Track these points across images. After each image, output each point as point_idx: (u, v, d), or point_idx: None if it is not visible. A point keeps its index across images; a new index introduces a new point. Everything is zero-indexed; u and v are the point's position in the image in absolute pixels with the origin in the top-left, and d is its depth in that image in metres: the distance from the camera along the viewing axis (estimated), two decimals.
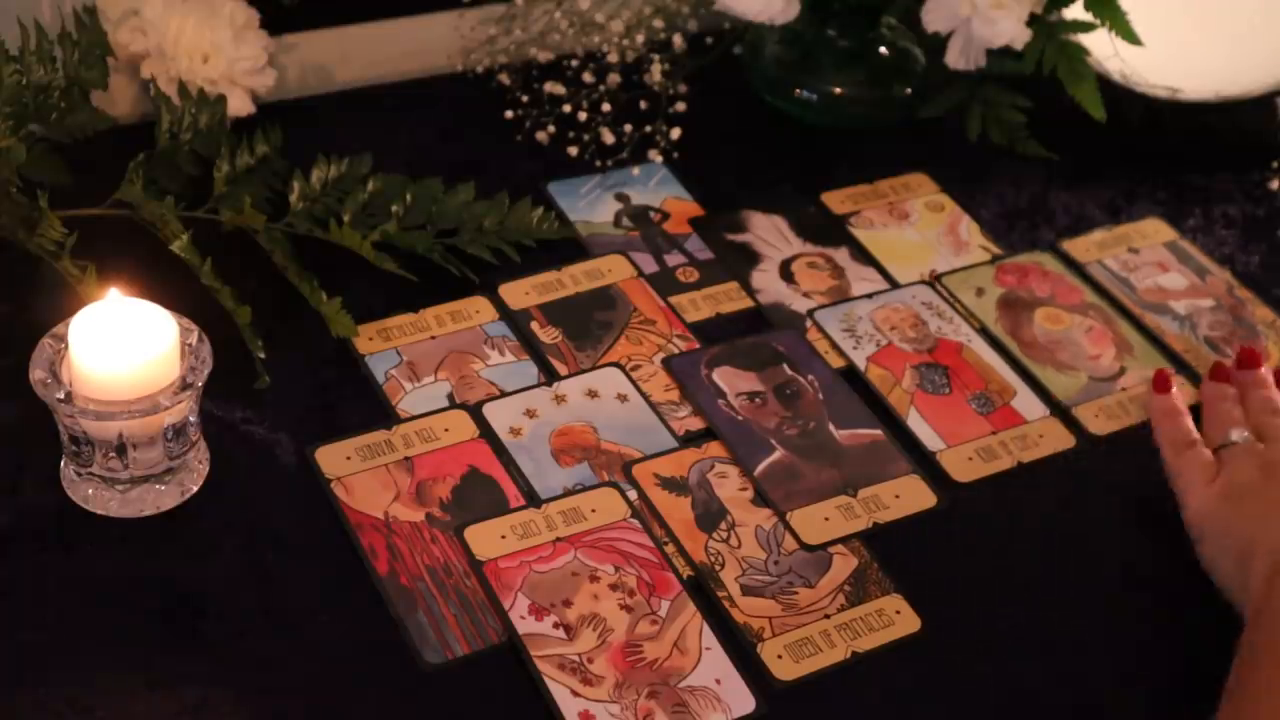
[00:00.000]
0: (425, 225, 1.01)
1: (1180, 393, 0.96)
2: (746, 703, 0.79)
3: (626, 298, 1.02)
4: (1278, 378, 0.96)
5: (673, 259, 1.06)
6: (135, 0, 1.06)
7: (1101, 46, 1.11)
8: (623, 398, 0.95)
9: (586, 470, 0.90)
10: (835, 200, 1.12)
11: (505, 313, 1.00)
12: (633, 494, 0.89)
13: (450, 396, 0.93)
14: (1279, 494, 0.86)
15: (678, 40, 1.21)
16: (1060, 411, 0.97)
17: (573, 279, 1.03)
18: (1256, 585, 0.82)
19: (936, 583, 0.86)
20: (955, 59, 1.10)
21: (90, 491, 0.84)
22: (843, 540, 0.88)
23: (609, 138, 1.14)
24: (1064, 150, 1.17)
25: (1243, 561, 0.83)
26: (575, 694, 0.78)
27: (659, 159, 1.14)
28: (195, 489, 0.86)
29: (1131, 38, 1.07)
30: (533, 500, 0.88)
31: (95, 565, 0.82)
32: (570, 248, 1.05)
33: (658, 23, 1.21)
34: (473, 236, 1.02)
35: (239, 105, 1.07)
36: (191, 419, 0.84)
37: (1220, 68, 1.17)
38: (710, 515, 0.88)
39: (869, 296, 1.04)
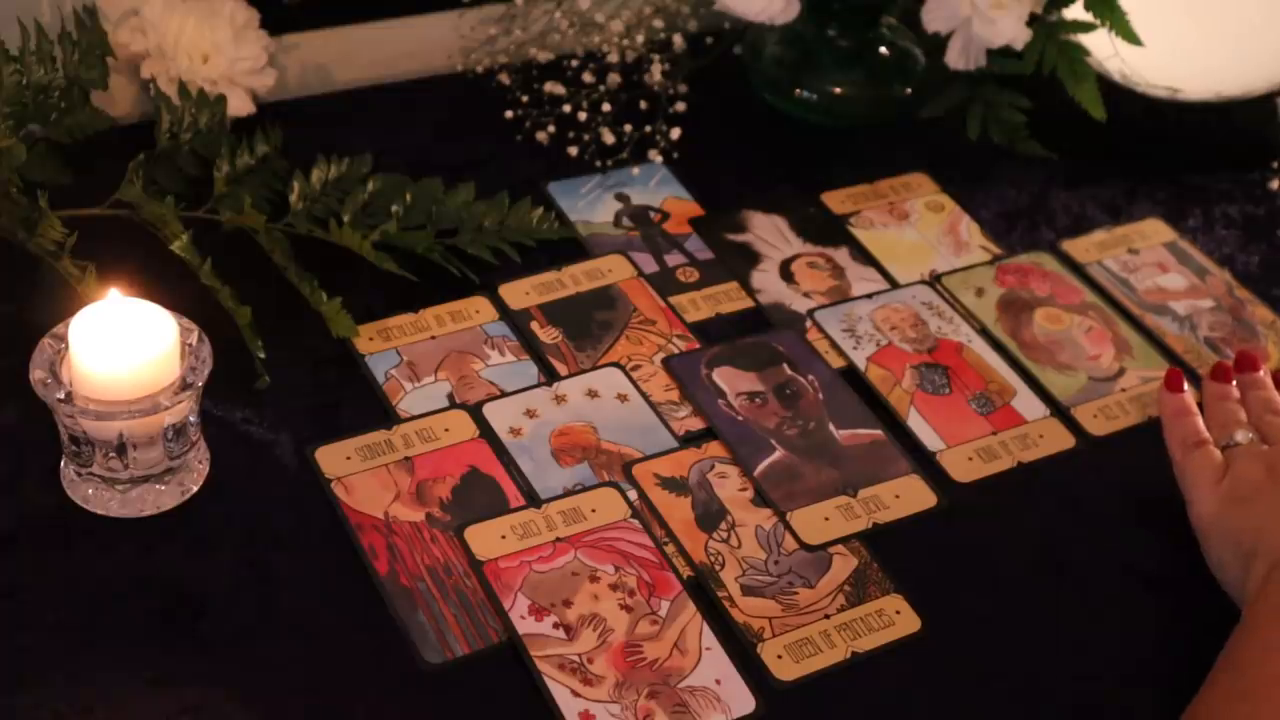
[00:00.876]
0: (425, 225, 1.01)
1: (1191, 392, 0.96)
2: (746, 703, 0.79)
3: (626, 298, 1.02)
4: (1277, 379, 0.96)
5: (673, 259, 1.06)
6: (135, 0, 1.06)
7: (1101, 46, 1.10)
8: (623, 398, 0.95)
9: (586, 470, 0.90)
10: (835, 200, 1.12)
11: (505, 313, 1.00)
12: (633, 494, 0.89)
13: (450, 396, 0.93)
14: None
15: (678, 40, 1.21)
16: (1060, 412, 0.97)
17: (573, 279, 1.03)
18: (1254, 583, 0.82)
19: (936, 583, 0.86)
20: (955, 59, 1.10)
21: (90, 491, 0.84)
22: (843, 540, 0.88)
23: (609, 138, 1.14)
24: (1064, 150, 1.17)
25: (1246, 562, 0.84)
26: (575, 694, 0.78)
27: (659, 159, 1.14)
28: (195, 489, 0.86)
29: (1131, 38, 1.07)
30: (533, 500, 0.88)
31: (95, 565, 0.82)
32: (570, 248, 1.05)
33: (658, 23, 1.21)
34: (473, 236, 1.02)
35: (239, 105, 1.07)
36: (191, 419, 0.84)
37: (1220, 68, 1.17)
38: (710, 515, 0.88)
39: (869, 296, 1.04)
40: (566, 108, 1.16)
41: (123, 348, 0.81)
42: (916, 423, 0.95)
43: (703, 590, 0.84)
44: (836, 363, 0.99)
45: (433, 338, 0.97)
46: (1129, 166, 1.18)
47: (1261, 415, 0.92)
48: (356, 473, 0.88)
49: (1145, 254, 1.11)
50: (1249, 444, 0.90)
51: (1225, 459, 0.89)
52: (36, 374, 0.82)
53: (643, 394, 0.95)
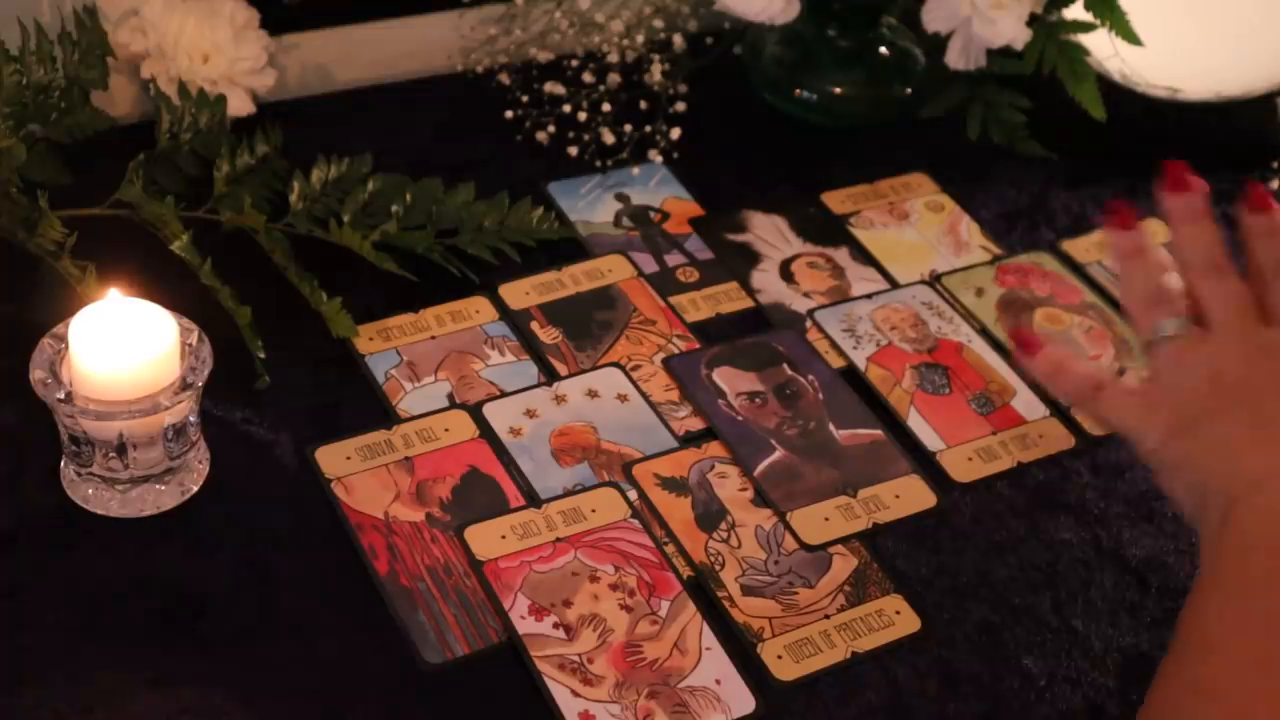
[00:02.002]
0: (425, 225, 1.01)
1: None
2: (746, 703, 0.79)
3: (626, 298, 1.02)
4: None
5: (673, 259, 1.06)
6: (135, 0, 1.06)
7: (1101, 46, 1.10)
8: (623, 398, 0.95)
9: (586, 470, 0.90)
10: (835, 200, 1.12)
11: (505, 313, 1.00)
12: (633, 494, 0.89)
13: (450, 396, 0.93)
14: (1235, 419, 0.73)
15: (678, 40, 1.21)
16: (1060, 412, 0.97)
17: (573, 279, 1.03)
18: (1209, 530, 0.72)
19: (936, 583, 0.86)
20: (955, 59, 1.10)
21: (90, 491, 0.84)
22: (843, 540, 0.88)
23: (609, 138, 1.14)
24: (1064, 150, 1.17)
25: (1201, 501, 0.73)
26: (575, 694, 0.78)
27: (659, 159, 1.14)
28: (195, 489, 0.86)
29: (1131, 38, 1.07)
30: (533, 500, 0.88)
31: (95, 565, 0.82)
32: (570, 248, 1.05)
33: (658, 23, 1.21)
34: (473, 236, 1.02)
35: (239, 105, 1.07)
36: (191, 419, 0.84)
37: (1220, 68, 1.17)
38: (710, 515, 0.88)
39: (869, 296, 1.04)
40: (566, 108, 1.16)
41: (123, 348, 0.81)
42: (916, 423, 0.95)
43: (703, 590, 0.84)
44: (836, 363, 0.99)
45: (433, 338, 0.97)
46: (1129, 166, 1.18)
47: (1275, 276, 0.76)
48: (356, 473, 0.88)
49: None
50: (1183, 334, 0.75)
51: (1153, 361, 0.76)
52: (36, 374, 0.82)
53: (643, 394, 0.95)
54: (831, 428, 0.94)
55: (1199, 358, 0.75)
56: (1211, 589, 0.70)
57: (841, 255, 1.08)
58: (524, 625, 0.81)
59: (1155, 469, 0.77)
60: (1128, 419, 0.77)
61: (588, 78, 1.18)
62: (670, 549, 0.86)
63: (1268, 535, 0.70)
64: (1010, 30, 1.07)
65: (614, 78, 1.18)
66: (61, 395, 0.81)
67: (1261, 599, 0.68)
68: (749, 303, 1.03)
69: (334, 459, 0.89)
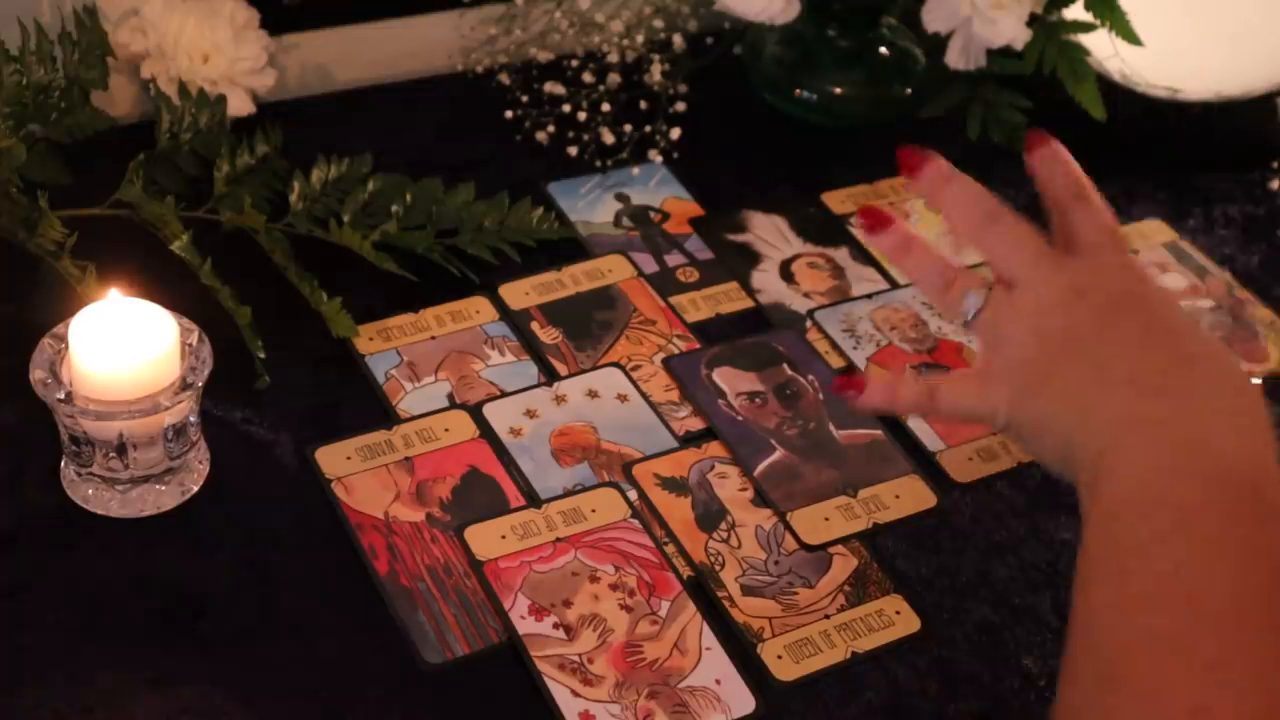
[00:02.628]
0: (425, 225, 1.01)
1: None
2: (746, 703, 0.79)
3: (626, 298, 1.02)
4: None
5: (673, 259, 1.06)
6: (135, 0, 1.06)
7: (1101, 46, 1.10)
8: (623, 398, 0.95)
9: (586, 470, 0.90)
10: (835, 200, 1.12)
11: (505, 313, 1.00)
12: (633, 494, 0.89)
13: (450, 396, 0.93)
14: (1075, 371, 0.68)
15: (678, 40, 1.21)
16: None
17: (573, 279, 1.03)
18: (1083, 502, 0.67)
19: (936, 583, 0.86)
20: (955, 59, 1.10)
21: (90, 491, 0.84)
22: (843, 540, 0.88)
23: (609, 138, 1.14)
24: None
25: (1069, 465, 0.69)
26: (575, 694, 0.78)
27: (659, 159, 1.14)
28: (195, 489, 0.86)
29: (1131, 38, 1.07)
30: (533, 500, 0.88)
31: (95, 565, 0.82)
32: (570, 248, 1.05)
33: (658, 23, 1.21)
34: (473, 236, 1.02)
35: (239, 105, 1.07)
36: (192, 419, 0.84)
37: (1220, 68, 1.17)
38: (710, 515, 0.88)
39: (869, 296, 1.04)
40: (566, 108, 1.16)
41: (123, 348, 0.81)
42: (916, 423, 0.95)
43: (703, 590, 0.84)
44: (836, 363, 0.99)
45: (433, 338, 0.97)
46: (1129, 166, 1.18)
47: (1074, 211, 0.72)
48: (356, 473, 0.88)
49: (1145, 254, 1.11)
50: (988, 301, 0.71)
51: (976, 339, 0.71)
52: (36, 374, 0.82)
53: (643, 394, 0.95)
54: (831, 428, 0.94)
55: (1015, 316, 0.71)
56: (1090, 570, 0.65)
57: (841, 255, 1.08)
58: (524, 625, 0.81)
59: (1022, 446, 0.73)
60: (970, 403, 0.73)
61: (588, 78, 1.18)
62: (670, 549, 0.86)
63: (1131, 498, 0.64)
64: (1010, 30, 1.07)
65: (614, 78, 1.18)
66: (61, 395, 0.81)
67: (1136, 572, 0.63)
68: (749, 303, 1.03)
69: (334, 459, 0.89)
